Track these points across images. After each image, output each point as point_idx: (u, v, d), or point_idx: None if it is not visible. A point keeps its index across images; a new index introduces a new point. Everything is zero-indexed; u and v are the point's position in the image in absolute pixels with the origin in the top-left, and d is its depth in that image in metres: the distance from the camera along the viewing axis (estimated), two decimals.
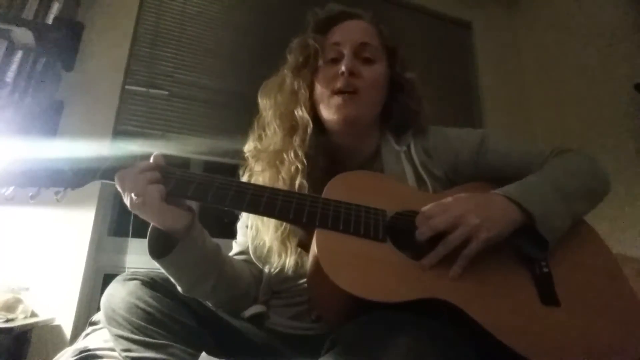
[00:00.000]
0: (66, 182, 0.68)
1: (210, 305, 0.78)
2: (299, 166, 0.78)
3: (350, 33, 0.86)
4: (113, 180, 0.66)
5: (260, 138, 0.86)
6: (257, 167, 0.83)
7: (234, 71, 2.04)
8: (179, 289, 0.72)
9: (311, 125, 0.81)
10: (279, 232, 0.76)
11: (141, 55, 1.92)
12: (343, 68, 0.80)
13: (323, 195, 0.69)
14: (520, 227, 0.67)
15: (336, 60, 0.83)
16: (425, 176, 0.82)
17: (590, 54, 2.29)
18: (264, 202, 0.66)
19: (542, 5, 2.70)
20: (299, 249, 0.73)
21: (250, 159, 0.86)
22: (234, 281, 0.79)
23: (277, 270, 0.79)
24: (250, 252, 0.84)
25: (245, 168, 0.86)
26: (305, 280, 0.71)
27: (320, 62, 0.85)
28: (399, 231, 0.67)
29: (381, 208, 0.68)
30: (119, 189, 0.65)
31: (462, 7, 2.76)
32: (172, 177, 0.67)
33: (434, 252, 0.63)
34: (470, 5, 2.79)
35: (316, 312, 0.75)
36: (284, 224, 0.76)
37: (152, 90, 1.89)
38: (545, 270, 0.66)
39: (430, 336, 0.45)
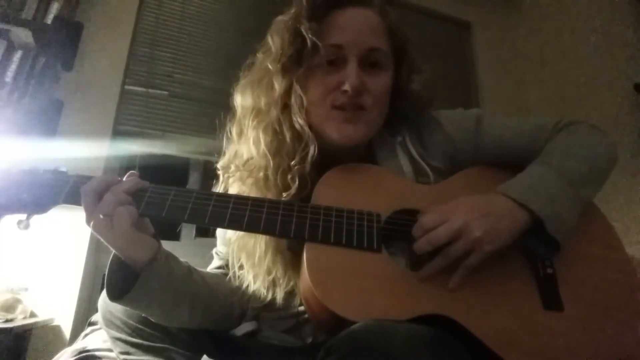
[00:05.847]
0: (27, 208, 0.62)
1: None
2: (286, 192, 0.65)
3: (356, 33, 0.68)
4: (79, 203, 0.59)
5: (237, 152, 0.72)
6: (234, 186, 0.71)
7: (233, 71, 2.03)
8: (152, 320, 0.65)
9: (315, 143, 0.66)
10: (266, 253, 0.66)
11: (140, 55, 1.92)
12: (347, 87, 0.65)
13: (313, 196, 0.64)
14: (528, 229, 0.62)
15: (336, 64, 0.68)
16: (423, 167, 0.75)
17: (590, 54, 2.29)
18: (246, 217, 0.60)
19: (541, 5, 2.70)
20: (289, 282, 0.68)
21: (222, 176, 0.72)
22: (213, 304, 0.71)
23: (264, 302, 0.71)
24: (230, 274, 0.73)
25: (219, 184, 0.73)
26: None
27: (317, 60, 0.68)
28: (395, 237, 0.64)
29: (376, 209, 0.64)
30: (84, 207, 0.58)
31: (461, 7, 2.76)
32: (143, 195, 0.61)
33: (432, 263, 0.59)
34: (469, 5, 2.78)
35: (311, 338, 0.71)
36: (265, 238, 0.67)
37: (151, 90, 1.89)
38: (549, 271, 0.62)
39: (426, 345, 0.44)
